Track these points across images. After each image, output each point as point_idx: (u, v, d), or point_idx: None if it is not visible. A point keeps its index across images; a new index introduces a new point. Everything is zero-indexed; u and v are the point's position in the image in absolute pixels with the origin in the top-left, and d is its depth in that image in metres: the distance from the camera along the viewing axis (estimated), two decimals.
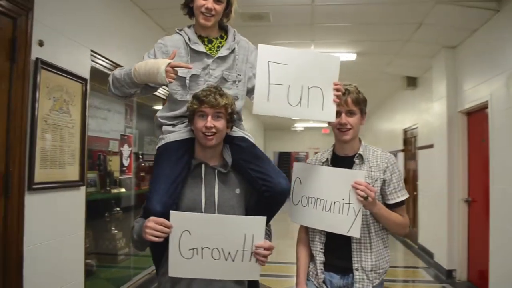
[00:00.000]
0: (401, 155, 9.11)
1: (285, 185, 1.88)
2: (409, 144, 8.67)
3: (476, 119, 5.28)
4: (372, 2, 4.70)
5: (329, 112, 1.91)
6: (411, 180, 8.29)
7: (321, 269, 2.01)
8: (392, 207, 2.02)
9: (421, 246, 7.39)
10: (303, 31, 5.67)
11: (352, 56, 6.47)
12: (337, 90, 1.91)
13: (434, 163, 6.33)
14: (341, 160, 2.07)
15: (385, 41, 5.99)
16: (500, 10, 4.46)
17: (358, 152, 2.06)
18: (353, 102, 2.00)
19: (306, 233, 2.13)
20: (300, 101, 1.88)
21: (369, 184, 1.92)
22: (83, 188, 3.52)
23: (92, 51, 3.66)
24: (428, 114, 6.82)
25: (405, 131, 8.85)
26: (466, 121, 5.57)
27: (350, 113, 2.00)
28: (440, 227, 5.95)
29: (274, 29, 5.55)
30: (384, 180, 2.01)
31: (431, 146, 6.52)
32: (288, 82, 1.86)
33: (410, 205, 8.32)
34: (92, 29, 3.71)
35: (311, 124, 17.18)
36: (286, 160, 22.08)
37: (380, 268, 2.00)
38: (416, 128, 7.92)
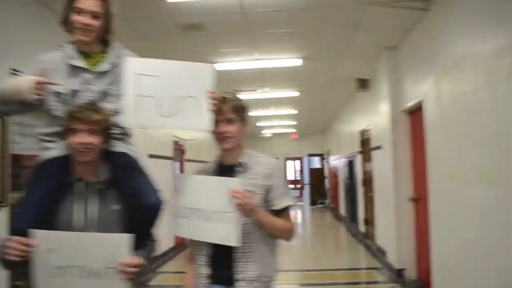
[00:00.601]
0: (359, 157, 9.19)
1: (154, 201, 1.88)
2: (366, 146, 8.75)
3: (418, 118, 5.36)
4: (306, 7, 4.72)
5: (206, 121, 1.89)
6: (368, 181, 8.35)
7: (204, 283, 1.96)
8: (277, 213, 1.98)
9: (378, 247, 7.43)
10: (244, 39, 5.67)
11: (298, 62, 6.50)
12: (212, 98, 1.89)
13: (382, 163, 6.39)
14: (226, 169, 2.03)
15: (328, 44, 6.05)
16: (430, 10, 4.54)
17: (240, 160, 2.02)
18: (231, 110, 1.97)
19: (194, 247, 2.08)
20: (174, 112, 1.86)
21: (252, 191, 1.89)
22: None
23: (13, 69, 3.50)
24: (378, 115, 6.90)
25: (362, 133, 8.93)
26: (409, 121, 5.64)
27: (229, 121, 1.97)
28: (390, 227, 5.99)
29: (214, 38, 5.53)
30: (268, 187, 1.97)
31: (379, 147, 6.59)
32: (159, 93, 1.85)
33: (368, 206, 8.38)
34: (12, 46, 3.60)
35: (279, 130, 17.22)
36: None
37: (265, 276, 1.95)
38: (369, 129, 8.00)
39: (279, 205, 1.98)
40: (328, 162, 16.66)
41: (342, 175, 11.94)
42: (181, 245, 8.44)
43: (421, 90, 4.82)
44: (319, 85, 8.65)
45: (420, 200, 5.37)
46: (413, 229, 5.56)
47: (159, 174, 7.79)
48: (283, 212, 2.00)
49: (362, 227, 9.16)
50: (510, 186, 2.97)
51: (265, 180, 1.97)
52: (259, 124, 14.82)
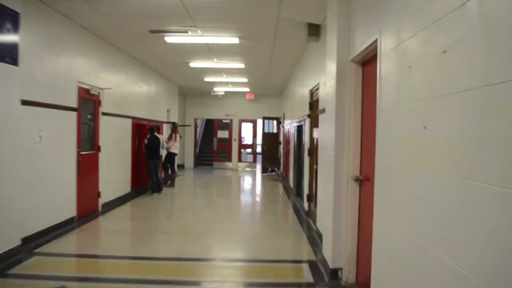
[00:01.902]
0: (307, 122, 7.78)
1: None
2: (315, 108, 7.32)
3: (372, 71, 3.89)
4: None
5: None
6: (314, 151, 6.98)
7: None
8: None
9: (317, 231, 6.15)
10: None
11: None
12: None
13: (326, 131, 4.98)
14: None
15: None
16: None
17: None
18: None
19: None
20: None
21: None
22: None
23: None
24: (326, 71, 5.42)
25: (311, 93, 7.48)
26: (360, 75, 4.18)
27: None
28: (328, 211, 4.66)
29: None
30: None
31: (324, 110, 5.16)
32: None
33: (313, 180, 7.05)
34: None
35: (232, 89, 15.58)
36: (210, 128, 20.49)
37: None
38: (318, 88, 6.55)
39: None
40: (283, 126, 15.28)
41: (293, 142, 10.57)
42: (83, 217, 6.95)
43: (377, 28, 3.33)
44: (262, 31, 7.07)
45: (367, 181, 3.99)
46: (355, 218, 4.21)
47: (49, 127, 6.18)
48: None
49: (305, 204, 7.87)
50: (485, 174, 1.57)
51: None
52: (208, 79, 13.14)
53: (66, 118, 6.56)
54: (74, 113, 6.83)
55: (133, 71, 9.99)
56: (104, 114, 8.07)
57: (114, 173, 8.79)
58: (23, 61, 5.08)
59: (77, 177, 6.97)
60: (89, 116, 7.68)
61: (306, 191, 7.83)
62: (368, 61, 3.96)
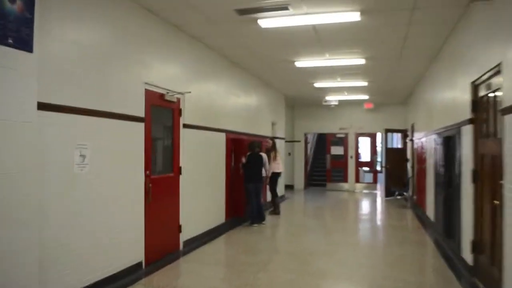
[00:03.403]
0: (468, 131, 5.17)
1: None
2: (486, 108, 4.73)
3: None
4: None
5: None
6: (487, 174, 4.40)
7: None
8: None
9: None
10: None
11: None
12: None
13: None
14: None
15: None
16: None
17: None
18: None
19: None
20: None
21: None
22: None
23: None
24: None
25: (476, 86, 4.89)
26: None
27: None
28: None
29: None
30: None
31: None
32: None
33: (485, 219, 4.45)
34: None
35: (347, 97, 13.23)
36: (322, 144, 18.19)
37: None
38: (496, 74, 4.01)
39: None
40: (412, 140, 12.42)
41: (434, 160, 7.87)
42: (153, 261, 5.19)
43: None
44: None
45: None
46: None
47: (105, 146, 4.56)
48: None
49: (468, 254, 5.21)
50: None
51: None
52: (318, 85, 11.00)
53: (127, 131, 4.91)
54: (141, 125, 5.18)
55: (225, 73, 8.23)
56: (186, 126, 6.36)
57: (202, 200, 7.02)
58: (41, 43, 3.47)
59: (145, 208, 5.27)
60: (164, 129, 6.03)
61: (468, 234, 5.18)
62: None
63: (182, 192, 6.26)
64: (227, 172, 8.17)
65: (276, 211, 9.88)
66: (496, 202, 4.01)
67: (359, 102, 14.48)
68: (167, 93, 5.82)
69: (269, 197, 10.30)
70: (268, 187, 9.99)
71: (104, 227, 4.51)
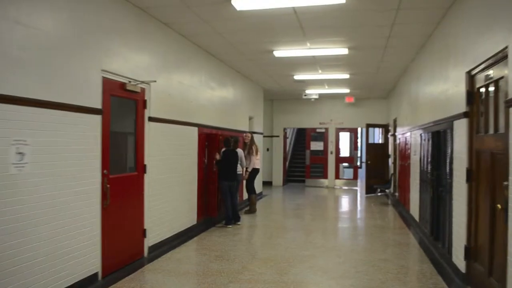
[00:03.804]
0: (462, 125, 4.71)
1: None
2: (483, 100, 4.27)
3: None
4: None
5: None
6: (484, 173, 3.93)
7: None
8: None
9: None
10: None
11: None
12: None
13: None
14: None
15: None
16: None
17: None
18: None
19: None
20: None
21: None
22: None
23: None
24: None
25: (472, 76, 4.42)
26: None
27: None
28: None
29: None
30: None
31: None
32: None
33: (481, 223, 4.00)
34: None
35: (327, 90, 12.75)
36: (302, 139, 17.75)
37: None
38: (499, 64, 3.53)
39: None
40: (394, 135, 12.04)
41: (420, 157, 7.43)
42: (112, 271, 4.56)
43: None
44: None
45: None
46: None
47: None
48: None
49: (460, 261, 4.76)
50: None
51: None
52: (298, 77, 10.47)
53: (80, 124, 4.26)
54: (97, 117, 4.53)
55: (199, 64, 7.61)
56: (152, 119, 5.73)
57: (170, 201, 6.40)
58: None
59: (102, 211, 4.65)
60: (127, 123, 5.40)
61: (460, 238, 4.73)
62: None
63: (147, 193, 5.65)
64: (200, 169, 7.57)
65: (252, 209, 9.34)
66: (498, 206, 3.54)
67: (340, 96, 14.03)
68: (129, 82, 5.19)
69: (245, 195, 9.75)
70: (244, 183, 9.44)
71: (51, 235, 3.87)
